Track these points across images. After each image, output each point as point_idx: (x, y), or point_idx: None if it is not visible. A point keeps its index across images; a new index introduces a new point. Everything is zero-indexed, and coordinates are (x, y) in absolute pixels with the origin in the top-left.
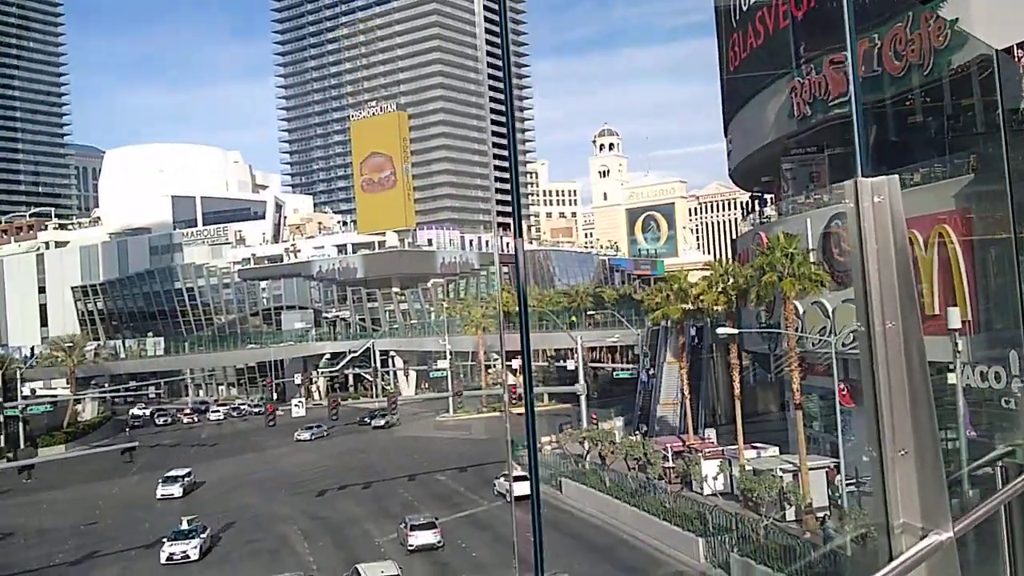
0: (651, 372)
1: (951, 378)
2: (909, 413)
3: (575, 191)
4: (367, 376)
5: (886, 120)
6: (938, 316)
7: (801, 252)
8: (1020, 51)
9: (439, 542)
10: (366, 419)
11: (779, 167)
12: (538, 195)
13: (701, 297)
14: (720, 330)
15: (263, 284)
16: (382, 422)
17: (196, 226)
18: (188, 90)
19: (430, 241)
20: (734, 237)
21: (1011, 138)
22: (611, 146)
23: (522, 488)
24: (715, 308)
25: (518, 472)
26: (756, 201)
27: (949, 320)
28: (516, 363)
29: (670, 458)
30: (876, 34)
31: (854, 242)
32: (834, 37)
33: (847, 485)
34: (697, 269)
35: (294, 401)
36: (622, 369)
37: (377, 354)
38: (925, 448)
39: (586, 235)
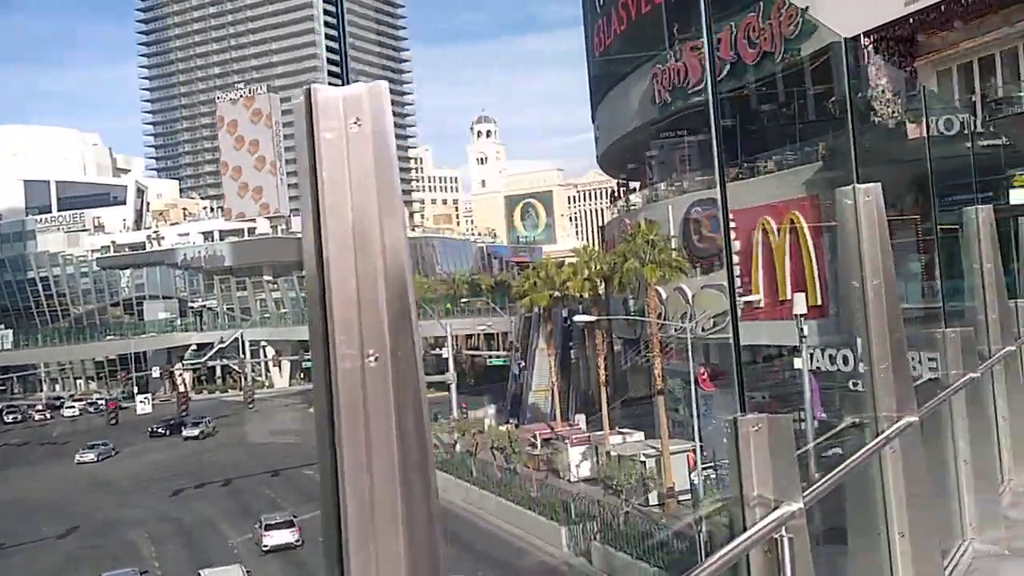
0: (523, 359)
1: (796, 362)
2: (888, 337)
3: (457, 178)
4: (236, 368)
5: (743, 108)
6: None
7: (663, 239)
8: (866, 39)
9: (297, 541)
10: (178, 426)
11: (644, 154)
12: (422, 181)
13: (567, 284)
14: (578, 317)
15: (124, 273)
16: (195, 432)
17: (51, 212)
18: (46, 70)
19: None
20: (602, 224)
21: (858, 124)
22: (488, 133)
23: None
24: (583, 295)
25: None
26: (623, 188)
27: (795, 305)
28: None
29: (538, 445)
30: (732, 22)
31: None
32: (693, 23)
33: (705, 468)
34: (571, 256)
35: (139, 398)
36: (496, 357)
37: (247, 344)
38: (898, 361)
39: (467, 222)
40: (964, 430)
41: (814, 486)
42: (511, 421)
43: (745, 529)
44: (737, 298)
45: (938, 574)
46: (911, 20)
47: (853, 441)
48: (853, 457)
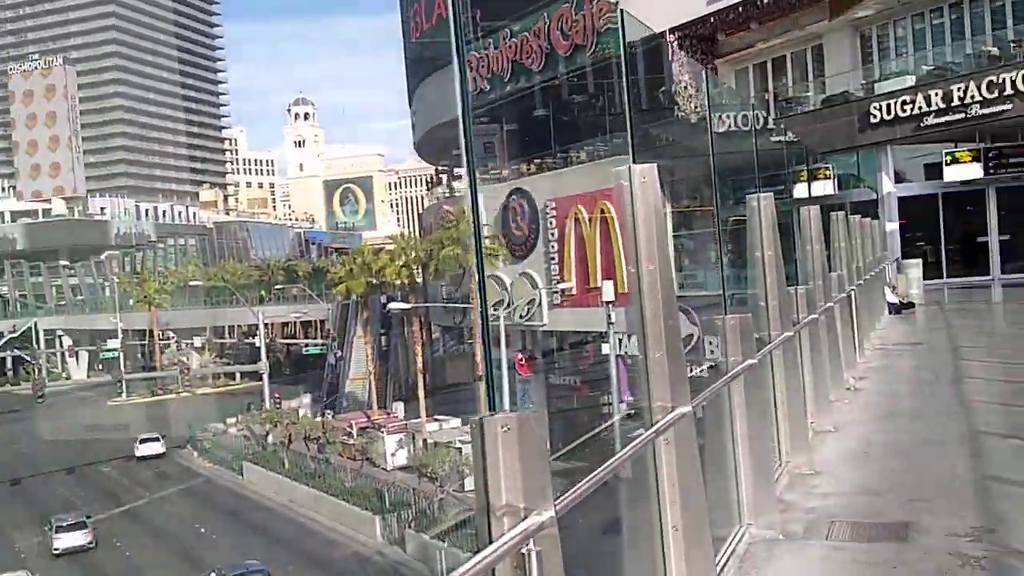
0: (340, 348)
1: (604, 348)
2: (663, 325)
3: (273, 161)
4: (28, 359)
5: (556, 99)
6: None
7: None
8: (672, 36)
9: (91, 543)
10: None
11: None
12: (237, 164)
13: (384, 271)
14: (393, 305)
15: None
16: None
17: None
18: None
19: (103, 210)
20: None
21: (665, 116)
22: (306, 116)
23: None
24: (401, 282)
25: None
26: (442, 175)
27: (604, 292)
28: (199, 340)
29: (354, 435)
30: (546, 12)
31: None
32: (512, 10)
33: None
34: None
35: None
36: (313, 345)
37: (41, 334)
38: (673, 349)
39: (284, 207)
40: (743, 416)
41: (568, 492)
42: (327, 411)
43: (491, 542)
44: (539, 286)
45: (709, 567)
46: (712, 19)
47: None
48: (621, 452)
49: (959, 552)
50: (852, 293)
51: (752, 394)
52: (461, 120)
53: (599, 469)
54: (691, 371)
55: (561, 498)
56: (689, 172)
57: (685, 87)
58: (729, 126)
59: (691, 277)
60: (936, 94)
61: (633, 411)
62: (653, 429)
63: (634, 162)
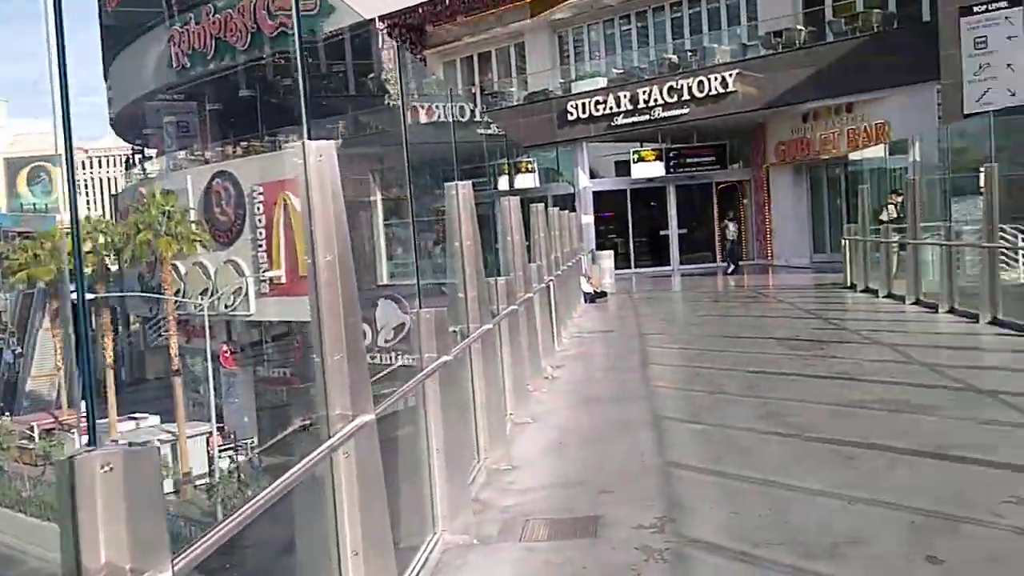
0: (20, 343)
1: None
2: (343, 325)
3: None
4: None
5: (263, 80)
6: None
7: (180, 210)
8: (382, 23)
9: None
10: None
11: (161, 119)
12: None
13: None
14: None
15: None
16: None
17: None
18: None
19: None
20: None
21: (375, 103)
22: None
23: None
24: (92, 269)
25: None
26: (139, 155)
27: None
28: None
29: (36, 438)
30: None
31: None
32: None
33: (225, 449)
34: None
35: None
36: None
37: None
38: (354, 351)
39: None
40: (438, 416)
41: (196, 543)
42: (5, 413)
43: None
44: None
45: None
46: (421, 10)
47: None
48: (286, 476)
49: (644, 545)
50: (551, 283)
51: (448, 392)
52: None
53: (246, 506)
54: (404, 361)
55: (183, 554)
56: (400, 161)
57: (395, 75)
58: (438, 117)
59: (403, 266)
60: (625, 96)
61: None
62: (329, 443)
63: (309, 138)
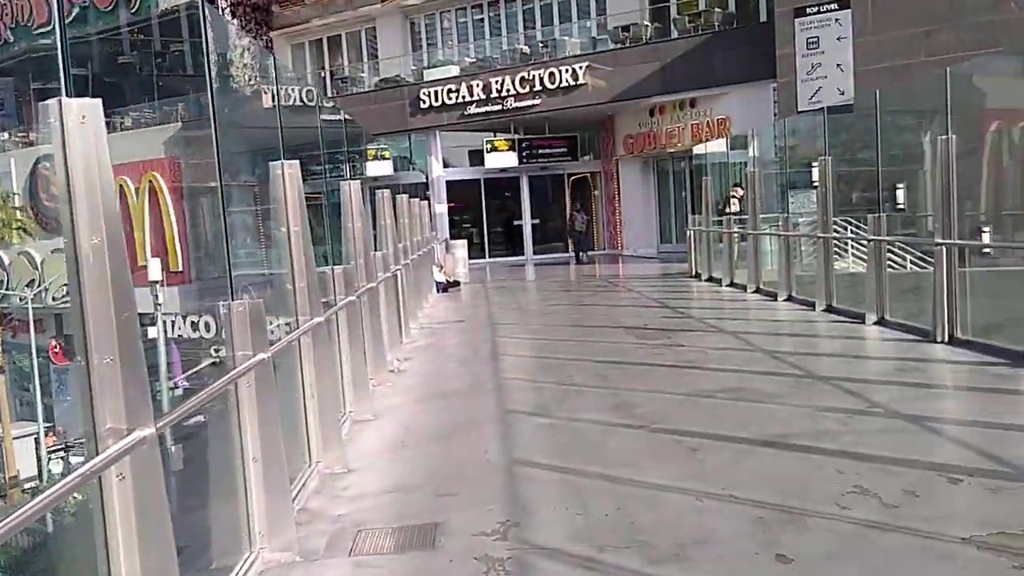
0: None
1: (151, 331)
2: (114, 322)
3: None
4: None
5: (97, 57)
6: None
7: (3, 196)
8: (224, 2)
9: None
10: None
11: None
12: None
13: None
14: None
15: None
16: None
17: None
18: None
19: None
20: None
21: (219, 84)
22: None
23: None
24: None
25: None
26: None
27: (150, 271)
28: None
29: None
30: None
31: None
32: None
33: (55, 451)
34: None
35: None
36: None
37: None
38: (129, 353)
39: None
40: (255, 421)
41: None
42: None
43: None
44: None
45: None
46: None
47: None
48: (35, 502)
49: (485, 555)
50: (399, 273)
51: (267, 393)
52: None
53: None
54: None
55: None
56: (244, 146)
57: (240, 56)
58: (294, 101)
59: (252, 255)
60: (478, 85)
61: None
62: (93, 463)
63: (69, 94)
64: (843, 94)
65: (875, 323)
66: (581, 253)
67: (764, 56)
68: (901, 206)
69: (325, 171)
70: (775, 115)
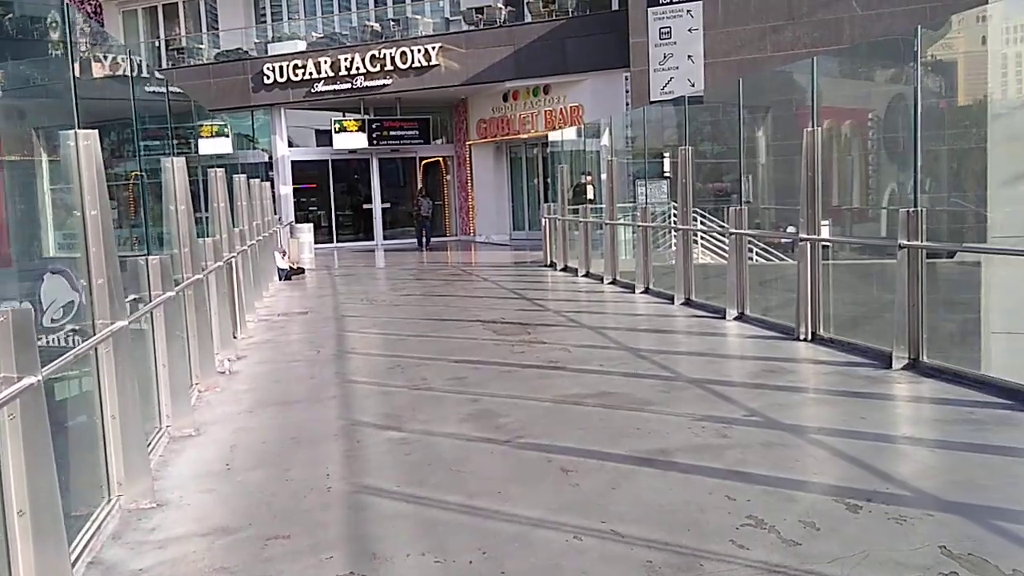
0: None
1: None
2: None
3: None
4: None
5: None
6: None
7: None
8: None
9: None
10: None
11: None
12: None
13: None
14: None
15: None
16: None
17: None
18: None
19: None
20: None
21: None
22: None
23: None
24: None
25: None
26: None
27: None
28: None
29: None
30: None
31: None
32: None
33: None
34: None
35: None
36: None
37: None
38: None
39: None
40: (112, 384)
41: None
42: None
43: None
44: None
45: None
46: None
47: None
48: None
49: None
50: (234, 261)
51: (34, 427)
52: None
53: None
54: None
55: None
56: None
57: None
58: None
59: (72, 237)
60: (325, 62)
61: None
62: None
63: None
64: (693, 85)
65: (735, 318)
66: (425, 239)
67: (618, 44)
68: (748, 199)
69: (138, 147)
70: (627, 104)
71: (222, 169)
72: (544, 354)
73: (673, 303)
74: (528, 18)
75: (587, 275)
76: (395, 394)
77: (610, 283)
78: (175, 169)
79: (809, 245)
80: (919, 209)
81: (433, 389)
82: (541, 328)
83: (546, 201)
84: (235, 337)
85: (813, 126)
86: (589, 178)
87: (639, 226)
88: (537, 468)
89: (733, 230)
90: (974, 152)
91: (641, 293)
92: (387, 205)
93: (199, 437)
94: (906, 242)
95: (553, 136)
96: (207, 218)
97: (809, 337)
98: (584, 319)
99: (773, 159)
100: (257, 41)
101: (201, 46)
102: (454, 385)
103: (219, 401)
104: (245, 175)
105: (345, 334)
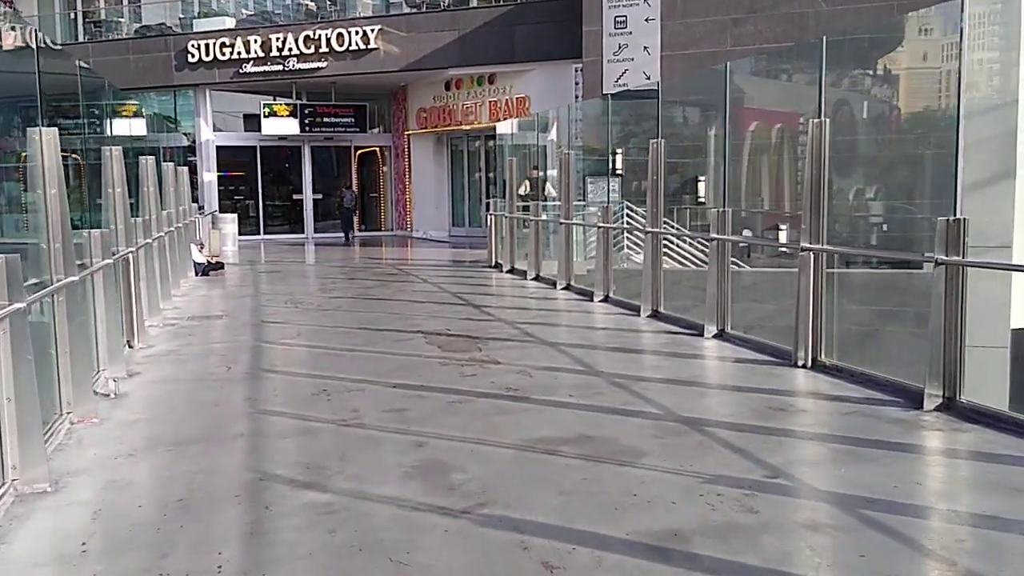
0: None
1: None
2: None
3: None
4: None
5: None
6: None
7: None
8: None
9: None
10: None
11: None
12: None
13: None
14: None
15: None
16: None
17: None
18: None
19: None
20: None
21: None
22: None
23: None
24: None
25: None
26: None
27: None
28: None
29: None
30: None
31: None
32: None
33: None
34: None
35: None
36: None
37: None
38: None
39: None
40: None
41: None
42: None
43: None
44: None
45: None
46: None
47: None
48: None
49: None
50: (130, 256)
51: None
52: None
53: None
54: None
55: None
56: None
57: None
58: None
59: None
60: (255, 41)
61: None
62: None
63: None
64: (649, 78)
65: (715, 336)
66: (349, 233)
67: (569, 33)
68: (702, 199)
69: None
70: (577, 96)
71: (118, 148)
72: (500, 378)
73: (639, 315)
74: (474, 2)
75: (537, 278)
76: (319, 432)
77: (564, 288)
78: (43, 142)
79: (812, 256)
80: (961, 218)
81: (367, 426)
82: (493, 343)
83: (489, 197)
84: (131, 347)
85: (821, 116)
86: (535, 172)
87: (600, 227)
88: (510, 562)
89: (716, 235)
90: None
91: (600, 301)
92: (319, 196)
93: (55, 495)
94: (945, 258)
95: (501, 128)
96: (100, 205)
97: (809, 364)
98: (541, 333)
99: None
100: (182, 17)
101: (121, 20)
102: (393, 420)
103: (93, 438)
104: (153, 157)
105: (264, 345)
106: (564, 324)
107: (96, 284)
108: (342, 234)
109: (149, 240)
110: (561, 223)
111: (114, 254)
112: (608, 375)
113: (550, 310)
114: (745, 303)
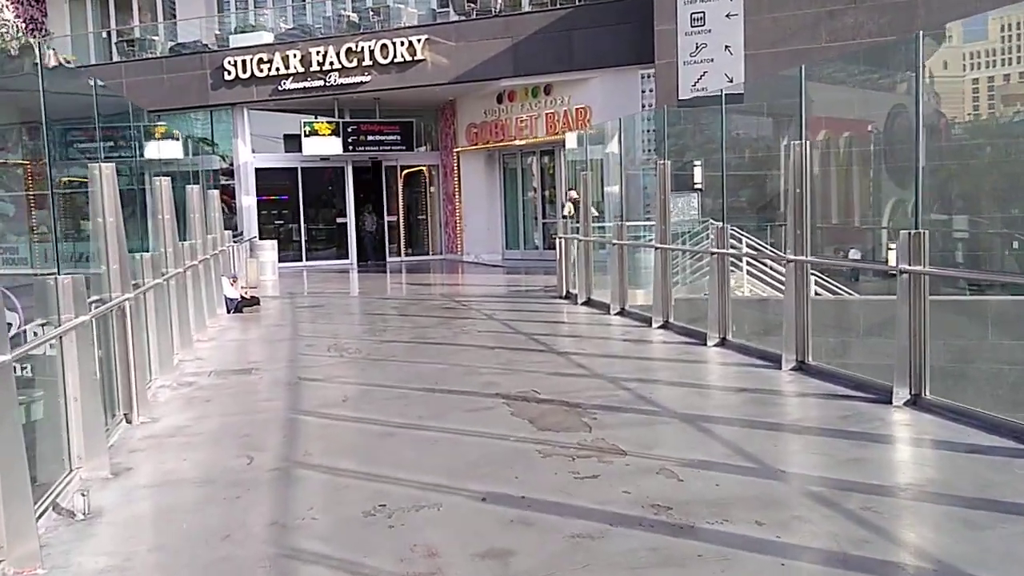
0: None
1: None
2: None
3: None
4: None
5: None
6: None
7: None
8: None
9: None
10: None
11: None
12: None
13: None
14: None
15: None
16: None
17: None
18: None
19: None
20: None
21: None
22: None
23: None
24: None
25: None
26: None
27: None
28: None
29: None
30: None
31: None
32: None
33: None
34: None
35: None
36: None
37: None
38: None
39: None
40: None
41: None
42: None
43: None
44: None
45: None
46: None
47: None
48: None
49: None
50: (126, 305)
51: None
52: None
53: None
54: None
55: None
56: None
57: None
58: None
59: (13, 251)
60: (295, 56)
61: None
62: None
63: None
64: (731, 80)
65: (793, 368)
66: (371, 260)
67: (634, 35)
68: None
69: (49, 149)
70: (646, 106)
71: (110, 165)
72: (635, 484)
73: (781, 367)
74: (528, 7)
75: (621, 313)
76: (306, 560)
77: (660, 327)
78: (103, 176)
79: (911, 280)
80: None
81: (445, 564)
82: (603, 416)
83: (545, 217)
84: (128, 422)
85: (918, 119)
86: (573, 193)
87: (714, 253)
88: None
89: (792, 257)
90: None
91: (715, 346)
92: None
93: None
94: None
95: (569, 141)
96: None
97: (912, 401)
98: (664, 398)
99: (820, 171)
100: (218, 33)
101: (155, 38)
102: (481, 555)
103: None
104: (168, 179)
105: (300, 419)
106: (688, 382)
107: (64, 351)
108: (395, 259)
109: (159, 280)
110: (656, 247)
111: (94, 304)
112: (781, 473)
113: (658, 359)
114: (849, 333)
